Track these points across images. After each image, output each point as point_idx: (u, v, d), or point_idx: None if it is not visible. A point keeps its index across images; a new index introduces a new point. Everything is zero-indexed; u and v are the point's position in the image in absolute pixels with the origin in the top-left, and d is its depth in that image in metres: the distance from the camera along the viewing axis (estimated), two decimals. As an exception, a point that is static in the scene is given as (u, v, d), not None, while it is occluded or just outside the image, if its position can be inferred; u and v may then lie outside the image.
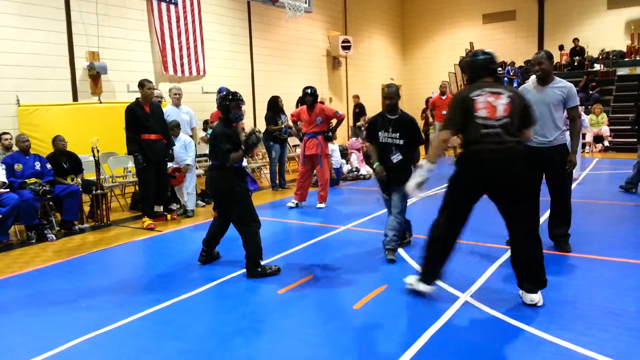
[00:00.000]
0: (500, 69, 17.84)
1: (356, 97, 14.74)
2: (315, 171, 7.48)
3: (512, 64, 17.66)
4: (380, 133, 4.76)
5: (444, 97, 12.06)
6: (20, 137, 6.49)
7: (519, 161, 3.38)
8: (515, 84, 16.81)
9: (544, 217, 5.26)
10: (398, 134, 4.67)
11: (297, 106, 9.25)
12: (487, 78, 3.54)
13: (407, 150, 4.70)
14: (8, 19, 8.10)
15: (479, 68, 3.56)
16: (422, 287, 3.73)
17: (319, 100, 7.39)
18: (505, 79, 17.23)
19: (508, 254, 4.68)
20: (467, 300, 3.67)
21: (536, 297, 3.51)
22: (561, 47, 17.35)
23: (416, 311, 3.54)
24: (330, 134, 7.24)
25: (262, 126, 13.19)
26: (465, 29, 19.88)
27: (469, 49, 18.85)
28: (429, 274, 3.71)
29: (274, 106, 9.06)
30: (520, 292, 3.61)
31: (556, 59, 17.31)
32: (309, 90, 7.13)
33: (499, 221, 5.26)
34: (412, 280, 3.83)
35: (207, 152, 8.54)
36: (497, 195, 3.56)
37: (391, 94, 4.70)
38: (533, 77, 4.82)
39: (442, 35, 20.52)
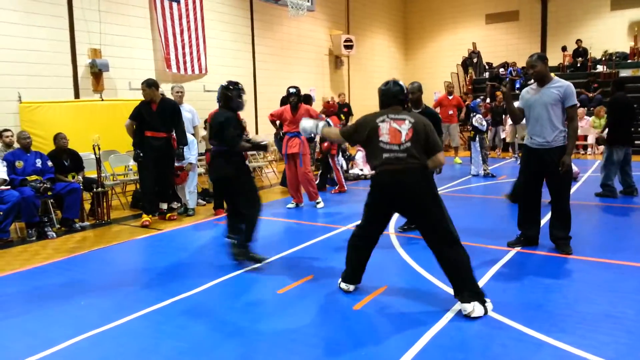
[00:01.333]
0: (502, 69, 17.81)
1: (342, 95, 14.02)
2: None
3: (515, 64, 17.62)
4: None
5: (450, 97, 12.02)
6: (22, 134, 6.49)
7: (416, 182, 3.55)
8: (517, 85, 16.80)
9: (545, 219, 5.25)
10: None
11: (281, 105, 9.11)
12: (396, 107, 3.75)
13: None
14: (10, 16, 8.10)
15: (390, 97, 3.78)
16: (343, 285, 3.98)
17: (320, 99, 7.35)
18: (508, 79, 17.19)
19: (509, 255, 4.69)
20: (467, 302, 3.65)
21: (469, 307, 3.42)
22: (564, 48, 17.30)
23: (416, 313, 3.53)
24: (312, 136, 7.21)
25: (265, 125, 13.20)
26: (468, 29, 19.85)
27: (471, 49, 18.84)
28: (348, 276, 3.98)
29: (286, 103, 8.97)
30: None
31: (559, 60, 17.27)
32: (293, 90, 7.09)
33: (498, 223, 5.23)
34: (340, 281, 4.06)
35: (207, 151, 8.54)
36: (403, 213, 3.85)
37: (413, 89, 5.15)
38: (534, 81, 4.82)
39: (444, 35, 20.50)
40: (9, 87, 8.06)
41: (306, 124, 4.25)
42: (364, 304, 3.71)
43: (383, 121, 3.64)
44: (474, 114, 9.73)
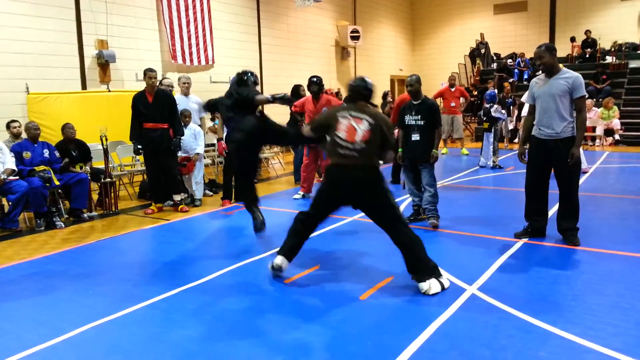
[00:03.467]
0: (510, 60, 17.67)
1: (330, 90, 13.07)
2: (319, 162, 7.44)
3: (523, 55, 17.48)
4: (406, 116, 5.54)
5: (452, 89, 11.96)
6: (30, 124, 6.52)
7: (364, 180, 3.77)
8: (526, 76, 16.66)
9: (553, 210, 5.23)
10: (419, 116, 5.42)
11: (292, 95, 9.06)
12: (361, 102, 3.97)
13: (427, 131, 5.41)
14: (17, 7, 8.11)
15: (355, 92, 4.01)
16: (278, 260, 4.06)
17: (328, 91, 7.34)
18: (516, 70, 17.08)
19: (516, 246, 4.68)
20: (474, 293, 3.66)
21: (425, 286, 3.65)
22: (573, 39, 17.14)
23: (423, 303, 3.54)
24: None
25: (273, 116, 13.19)
26: (475, 19, 19.69)
27: (479, 39, 18.69)
28: (284, 249, 4.12)
29: (296, 94, 8.97)
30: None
31: (567, 51, 17.11)
32: (315, 79, 7.08)
33: (507, 214, 5.22)
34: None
35: (214, 142, 8.55)
36: (354, 206, 3.99)
37: (411, 82, 5.49)
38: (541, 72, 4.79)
39: (452, 25, 20.35)
40: (17, 78, 8.09)
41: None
42: (370, 294, 3.72)
43: (344, 117, 3.84)
44: (492, 104, 9.64)
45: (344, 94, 15.31)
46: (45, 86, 8.39)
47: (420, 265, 3.73)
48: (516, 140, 13.21)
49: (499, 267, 4.19)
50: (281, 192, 7.98)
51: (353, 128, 3.78)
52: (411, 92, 5.52)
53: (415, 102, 5.54)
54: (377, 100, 10.56)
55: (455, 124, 11.98)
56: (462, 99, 12.13)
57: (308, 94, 7.58)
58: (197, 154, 7.18)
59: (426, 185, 5.50)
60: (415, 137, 5.47)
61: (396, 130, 5.62)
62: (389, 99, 10.69)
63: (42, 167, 6.26)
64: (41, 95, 8.19)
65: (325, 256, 4.65)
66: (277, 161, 10.95)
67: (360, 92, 3.99)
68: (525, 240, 4.89)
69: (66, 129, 6.85)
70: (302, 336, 3.10)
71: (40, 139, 6.59)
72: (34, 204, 5.96)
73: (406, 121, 5.56)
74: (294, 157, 8.94)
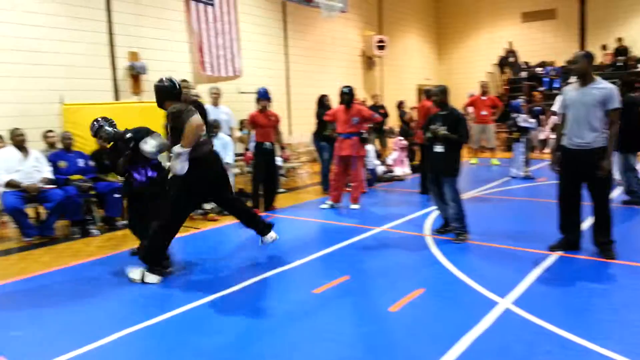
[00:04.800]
0: (539, 68, 17.41)
1: (376, 96, 12.69)
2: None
3: (553, 63, 17.20)
4: (431, 127, 5.41)
5: (484, 98, 11.78)
6: (65, 134, 6.71)
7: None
8: (556, 84, 16.38)
9: (588, 222, 5.11)
10: (445, 127, 5.26)
11: (318, 106, 9.09)
12: (175, 102, 4.33)
13: (451, 143, 5.26)
14: (52, 20, 8.38)
15: (163, 93, 4.42)
16: (151, 277, 4.34)
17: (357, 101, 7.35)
18: (546, 79, 16.81)
19: (550, 260, 4.59)
20: (507, 307, 3.59)
21: (268, 238, 4.83)
22: (604, 47, 16.80)
23: (453, 316, 3.49)
24: (365, 135, 7.22)
25: (297, 125, 13.27)
26: (503, 27, 19.48)
27: (507, 48, 18.48)
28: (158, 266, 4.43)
29: (322, 104, 9.01)
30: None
31: (599, 59, 16.78)
32: (346, 89, 7.11)
33: (540, 226, 5.14)
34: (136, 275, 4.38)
35: (243, 152, 8.64)
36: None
37: (435, 92, 5.48)
38: (575, 78, 4.70)
39: (479, 34, 20.17)
40: (52, 90, 8.34)
41: (147, 145, 4.60)
42: (401, 306, 3.69)
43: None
44: (517, 114, 9.53)
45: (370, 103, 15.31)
46: (80, 97, 8.62)
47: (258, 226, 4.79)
48: (546, 150, 12.98)
49: (534, 281, 4.10)
50: (308, 202, 8.00)
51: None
52: (436, 102, 5.49)
53: (441, 113, 5.44)
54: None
55: (487, 133, 11.81)
56: (493, 108, 11.94)
57: (334, 104, 7.59)
58: (227, 163, 7.26)
59: (449, 200, 5.32)
60: (439, 148, 5.33)
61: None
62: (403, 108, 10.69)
63: (77, 176, 6.42)
64: (75, 106, 8.40)
65: (355, 267, 4.63)
66: (304, 171, 10.99)
67: (171, 92, 4.44)
68: (559, 253, 4.78)
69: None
70: (332, 346, 3.09)
71: (74, 149, 6.76)
72: (69, 212, 6.11)
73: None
74: (321, 167, 8.96)
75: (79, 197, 6.18)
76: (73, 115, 8.33)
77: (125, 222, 6.77)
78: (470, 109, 11.97)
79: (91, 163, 6.71)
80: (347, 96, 7.06)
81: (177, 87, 4.47)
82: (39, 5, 8.20)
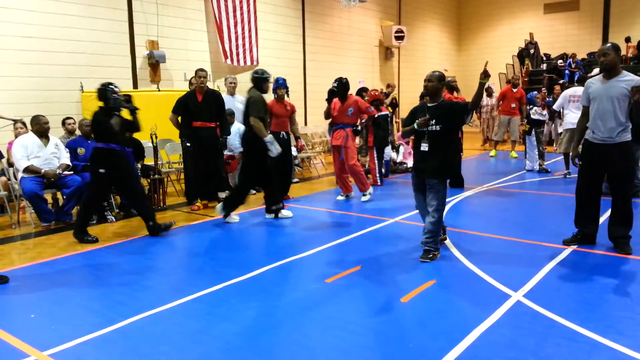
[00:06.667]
0: (561, 61, 17.12)
1: (390, 86, 11.94)
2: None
3: (574, 56, 16.90)
4: (417, 120, 4.44)
5: (514, 90, 11.64)
6: (83, 121, 6.80)
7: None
8: (577, 77, 16.08)
9: (604, 217, 5.05)
10: (434, 121, 4.38)
11: (328, 97, 9.03)
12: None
13: (442, 139, 4.41)
14: (72, 8, 8.48)
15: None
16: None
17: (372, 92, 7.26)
18: (567, 71, 16.53)
19: (565, 254, 4.55)
20: (519, 300, 3.58)
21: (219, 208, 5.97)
22: (628, 39, 16.44)
23: (465, 308, 3.49)
24: (359, 128, 7.17)
25: (314, 116, 13.27)
26: (525, 19, 19.18)
27: (528, 39, 18.20)
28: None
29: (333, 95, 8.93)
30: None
31: (622, 52, 16.43)
32: (343, 80, 7.05)
33: (554, 219, 5.10)
34: None
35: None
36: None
37: (430, 77, 4.42)
38: (597, 70, 4.61)
39: (500, 25, 19.90)
40: (72, 77, 8.47)
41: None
42: (412, 296, 3.70)
43: None
44: (531, 106, 9.41)
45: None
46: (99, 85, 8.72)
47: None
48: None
49: (546, 274, 4.08)
50: (322, 192, 8.02)
51: None
52: (427, 89, 4.44)
53: (430, 105, 4.47)
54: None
55: (512, 126, 11.70)
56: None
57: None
58: (241, 152, 7.30)
59: (432, 209, 4.39)
60: (425, 146, 4.44)
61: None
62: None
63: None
64: (95, 94, 8.50)
65: (367, 257, 4.65)
66: (319, 161, 11.01)
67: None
68: (574, 247, 4.74)
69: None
70: (343, 335, 3.12)
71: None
72: (87, 198, 6.21)
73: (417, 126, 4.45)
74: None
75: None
76: (92, 103, 8.43)
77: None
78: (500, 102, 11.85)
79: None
80: (338, 91, 7.01)
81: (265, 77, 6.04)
82: (60, -6, 8.31)
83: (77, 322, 3.38)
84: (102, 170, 5.35)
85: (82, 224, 5.43)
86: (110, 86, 5.47)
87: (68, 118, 7.16)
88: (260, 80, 6.06)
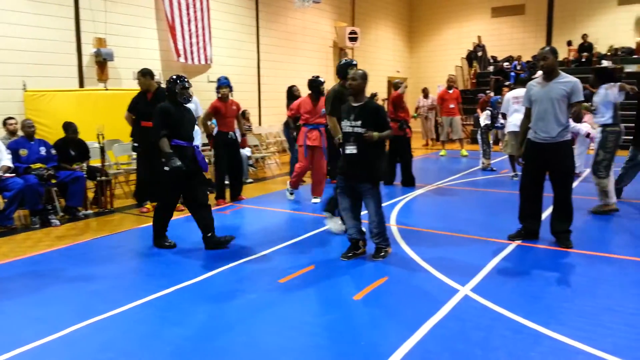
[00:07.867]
0: (507, 63, 17.73)
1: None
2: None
3: (519, 58, 17.55)
4: (342, 122, 4.44)
5: (450, 91, 12.06)
6: (26, 122, 6.51)
7: None
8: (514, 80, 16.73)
9: (547, 212, 5.26)
10: (360, 122, 4.28)
11: (287, 97, 9.06)
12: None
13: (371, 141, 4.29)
14: (15, 3, 8.10)
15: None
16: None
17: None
18: (512, 74, 17.13)
19: (509, 248, 4.72)
20: (467, 294, 3.68)
21: None
22: (569, 43, 17.23)
23: (416, 303, 3.56)
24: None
25: (268, 116, 13.21)
26: (473, 22, 19.76)
27: (476, 42, 18.76)
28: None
29: (291, 95, 8.97)
30: None
31: (564, 55, 17.19)
32: (321, 79, 7.07)
33: (500, 216, 5.27)
34: None
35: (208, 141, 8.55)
36: None
37: (354, 76, 4.30)
38: (540, 73, 4.82)
39: (450, 28, 20.41)
40: (14, 76, 8.08)
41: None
42: (364, 294, 3.74)
43: None
44: (489, 109, 9.85)
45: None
46: (43, 84, 8.39)
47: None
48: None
49: (492, 269, 4.22)
50: (276, 192, 8.00)
51: None
52: (352, 87, 4.33)
53: (355, 105, 4.37)
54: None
55: (453, 125, 12.08)
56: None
57: (302, 94, 7.51)
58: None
59: (373, 213, 4.41)
60: (351, 149, 4.33)
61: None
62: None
63: (38, 165, 6.26)
64: (38, 93, 8.18)
65: (321, 257, 4.67)
66: (273, 161, 10.97)
67: None
68: (518, 242, 4.92)
69: (70, 130, 6.75)
70: (296, 335, 3.12)
71: (36, 137, 6.58)
72: (29, 202, 5.95)
73: (342, 128, 4.46)
74: (290, 157, 8.94)
75: (39, 186, 6.02)
76: (35, 102, 8.12)
77: (87, 212, 6.66)
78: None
79: (53, 152, 6.55)
80: (320, 88, 7.01)
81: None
82: (-1, -12, 7.92)
83: (17, 332, 3.23)
84: (179, 164, 4.68)
85: (160, 229, 5.08)
86: (182, 80, 4.98)
87: (9, 118, 6.82)
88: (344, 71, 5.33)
